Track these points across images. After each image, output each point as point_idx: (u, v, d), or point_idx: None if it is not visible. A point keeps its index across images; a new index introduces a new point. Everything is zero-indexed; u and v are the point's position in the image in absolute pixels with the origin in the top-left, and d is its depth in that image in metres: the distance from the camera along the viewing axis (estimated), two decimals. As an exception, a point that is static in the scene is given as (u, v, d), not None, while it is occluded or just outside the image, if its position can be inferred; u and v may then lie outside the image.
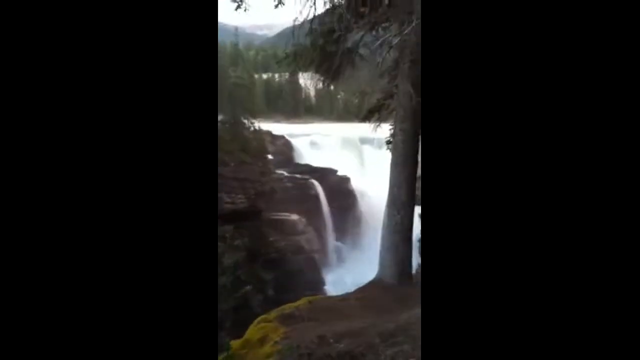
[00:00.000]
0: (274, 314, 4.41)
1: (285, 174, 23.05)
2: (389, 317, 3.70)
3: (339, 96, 51.86)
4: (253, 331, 3.90)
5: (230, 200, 15.14)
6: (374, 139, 29.55)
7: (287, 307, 4.52)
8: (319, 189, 22.93)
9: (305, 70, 4.92)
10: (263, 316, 4.44)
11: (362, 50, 5.14)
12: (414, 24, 4.32)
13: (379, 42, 4.72)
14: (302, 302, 4.65)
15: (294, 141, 28.10)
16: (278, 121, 39.84)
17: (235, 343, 4.24)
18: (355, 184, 24.35)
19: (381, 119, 5.59)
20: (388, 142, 6.12)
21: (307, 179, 23.13)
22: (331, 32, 4.77)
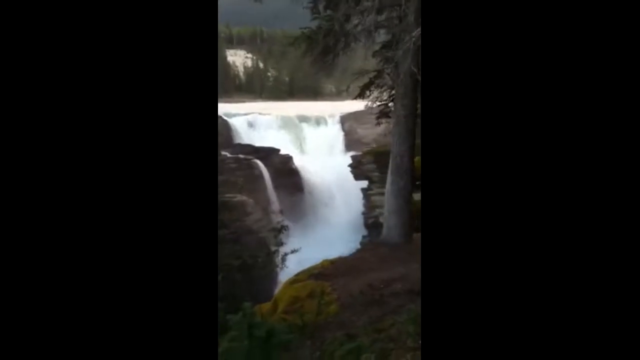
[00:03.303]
0: (303, 275, 4.86)
1: (228, 154, 22.79)
2: (414, 267, 4.34)
3: (269, 74, 51.33)
4: (296, 289, 4.31)
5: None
6: (311, 117, 30.17)
7: (313, 268, 4.98)
8: (263, 169, 23.05)
9: (312, 51, 5.27)
10: (293, 277, 4.87)
11: (358, 34, 5.59)
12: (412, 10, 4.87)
13: (365, 25, 5.21)
14: (324, 263, 5.14)
15: (231, 121, 27.64)
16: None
17: (267, 305, 4.61)
18: (298, 162, 24.79)
19: (372, 97, 6.13)
20: (377, 117, 6.70)
21: (251, 159, 23.10)
22: (334, 18, 5.16)
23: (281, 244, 4.18)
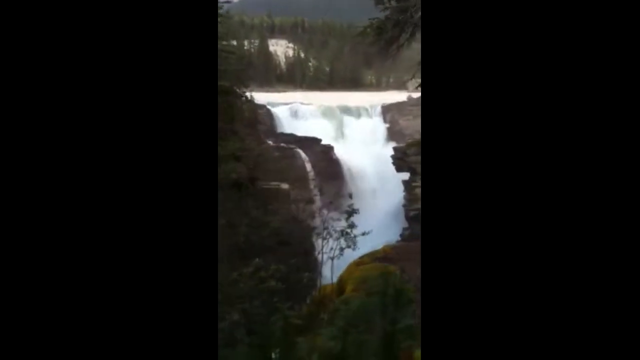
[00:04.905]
0: (367, 258, 5.07)
1: (272, 143, 23.29)
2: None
3: (309, 63, 51.56)
4: (364, 270, 4.53)
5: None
6: (352, 107, 30.14)
7: (376, 253, 5.20)
8: (305, 158, 23.37)
9: (379, 41, 5.41)
10: (357, 259, 5.09)
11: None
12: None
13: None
14: (385, 248, 5.34)
15: (275, 110, 28.10)
16: (252, 90, 39.14)
17: (329, 286, 4.86)
18: (339, 152, 24.92)
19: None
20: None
21: (293, 149, 23.49)
22: (405, 9, 5.27)
23: (353, 225, 4.38)
